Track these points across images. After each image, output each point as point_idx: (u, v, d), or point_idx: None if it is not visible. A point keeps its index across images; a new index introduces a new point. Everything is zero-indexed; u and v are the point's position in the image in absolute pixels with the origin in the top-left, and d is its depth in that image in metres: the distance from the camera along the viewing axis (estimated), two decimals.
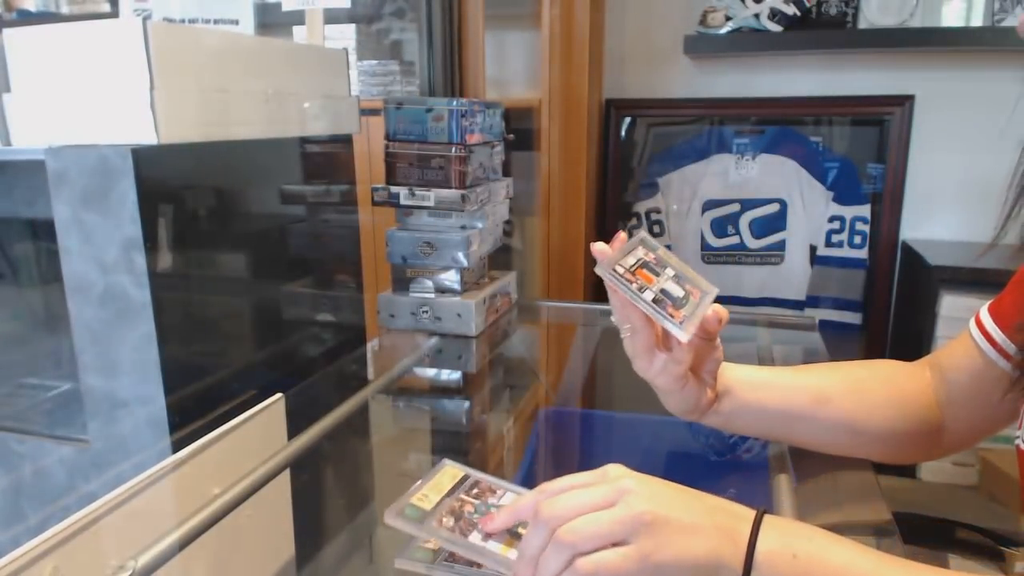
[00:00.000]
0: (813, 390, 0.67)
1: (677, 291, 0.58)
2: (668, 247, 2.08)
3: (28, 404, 1.00)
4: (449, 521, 0.56)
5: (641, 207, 2.09)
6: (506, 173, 1.29)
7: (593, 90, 1.90)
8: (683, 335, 0.55)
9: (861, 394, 0.68)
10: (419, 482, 0.61)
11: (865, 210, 1.93)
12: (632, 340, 0.60)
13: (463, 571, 0.54)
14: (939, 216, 1.91)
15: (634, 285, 0.55)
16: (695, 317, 0.57)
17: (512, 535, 0.55)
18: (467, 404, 1.08)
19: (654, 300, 0.55)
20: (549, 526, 0.45)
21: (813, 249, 1.98)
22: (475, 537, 0.54)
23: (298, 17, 1.26)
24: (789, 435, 0.70)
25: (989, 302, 0.67)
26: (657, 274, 0.58)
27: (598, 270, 0.56)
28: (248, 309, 0.96)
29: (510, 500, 0.59)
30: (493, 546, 0.54)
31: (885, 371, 0.72)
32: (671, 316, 0.55)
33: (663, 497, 0.46)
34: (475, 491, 0.61)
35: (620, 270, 0.56)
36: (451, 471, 0.63)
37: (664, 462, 1.05)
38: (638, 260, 0.58)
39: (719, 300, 0.60)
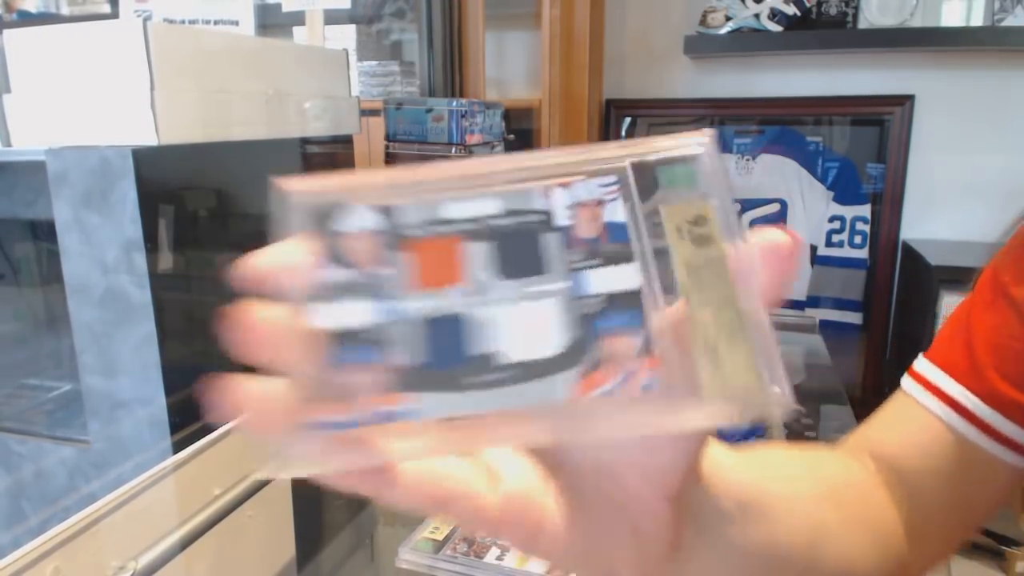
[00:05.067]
0: (806, 528, 0.36)
1: None
2: None
3: (29, 405, 1.00)
4: (463, 547, 0.59)
5: None
6: None
7: (593, 90, 1.90)
8: None
9: (851, 535, 0.39)
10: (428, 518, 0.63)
11: (865, 210, 1.93)
12: None
13: (465, 561, 0.56)
14: (939, 216, 1.91)
15: None
16: None
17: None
18: None
19: None
20: None
21: (813, 249, 1.98)
22: (491, 556, 0.57)
23: (298, 18, 1.27)
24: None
25: (958, 364, 0.42)
26: None
27: None
28: None
29: None
30: (510, 561, 0.56)
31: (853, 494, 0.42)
32: None
33: None
34: None
35: None
36: None
37: None
38: None
39: None
